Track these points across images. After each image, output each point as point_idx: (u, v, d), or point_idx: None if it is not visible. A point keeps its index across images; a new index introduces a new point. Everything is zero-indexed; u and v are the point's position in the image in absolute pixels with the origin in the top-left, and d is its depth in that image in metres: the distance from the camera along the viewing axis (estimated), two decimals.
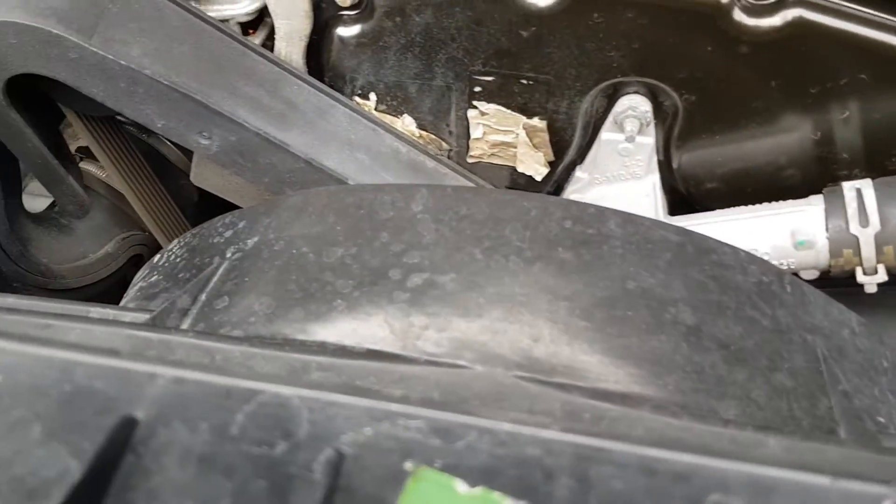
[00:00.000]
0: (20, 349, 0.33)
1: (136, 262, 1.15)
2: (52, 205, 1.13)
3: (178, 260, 0.72)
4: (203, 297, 0.63)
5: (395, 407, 0.30)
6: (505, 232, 0.62)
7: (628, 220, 0.63)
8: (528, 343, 0.56)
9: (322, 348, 0.56)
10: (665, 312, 0.59)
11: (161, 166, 1.08)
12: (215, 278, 0.65)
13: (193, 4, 0.80)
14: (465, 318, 0.57)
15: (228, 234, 0.70)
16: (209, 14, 0.80)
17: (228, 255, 0.66)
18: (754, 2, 0.71)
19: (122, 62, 0.72)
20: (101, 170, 1.08)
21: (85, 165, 1.04)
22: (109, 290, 1.17)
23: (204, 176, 1.01)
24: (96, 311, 0.66)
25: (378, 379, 0.54)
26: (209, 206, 1.15)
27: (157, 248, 1.16)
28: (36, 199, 1.14)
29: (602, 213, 0.63)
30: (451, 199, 0.66)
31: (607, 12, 0.73)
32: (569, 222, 0.63)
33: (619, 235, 0.62)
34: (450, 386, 0.54)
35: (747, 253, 0.66)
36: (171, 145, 1.12)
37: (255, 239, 0.66)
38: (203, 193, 1.12)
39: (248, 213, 0.71)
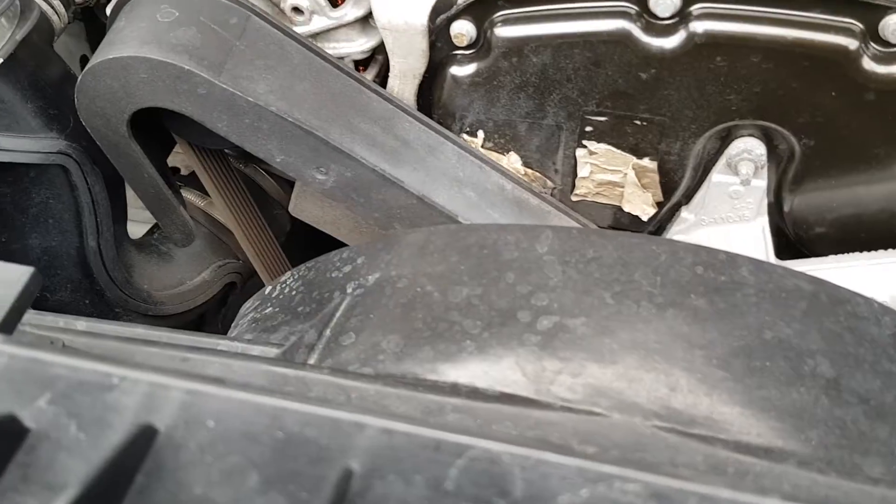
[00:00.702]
0: (229, 395, 0.33)
1: (228, 290, 1.17)
2: (151, 231, 1.16)
3: (295, 293, 0.73)
4: (328, 332, 0.64)
5: (610, 469, 0.30)
6: (634, 276, 0.61)
7: (760, 267, 0.62)
8: (666, 392, 0.55)
9: (455, 390, 0.56)
10: (803, 364, 0.57)
11: (257, 196, 1.10)
12: (338, 314, 0.65)
13: (313, 42, 0.81)
14: (598, 364, 0.56)
15: (347, 269, 0.70)
16: (327, 51, 0.82)
17: (349, 290, 0.67)
18: (884, 50, 0.70)
19: (249, 99, 0.74)
20: (199, 198, 1.10)
21: (185, 194, 1.06)
22: (202, 315, 1.19)
23: (302, 207, 1.02)
24: (225, 343, 0.66)
25: (515, 423, 0.54)
26: (302, 236, 1.17)
27: (250, 275, 1.17)
28: (133, 226, 1.17)
29: (734, 259, 0.62)
30: (577, 242, 0.66)
31: (731, 56, 0.73)
32: (700, 268, 0.62)
33: (752, 283, 0.61)
34: (588, 434, 0.53)
35: (881, 304, 0.64)
36: (267, 176, 1.14)
37: (377, 275, 0.67)
38: (295, 223, 1.14)
39: (367, 249, 0.71)
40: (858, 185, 0.82)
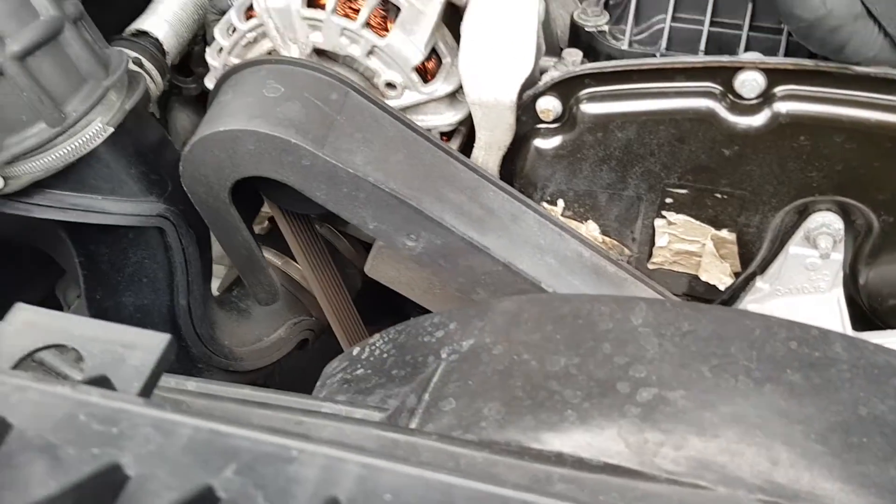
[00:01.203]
0: (401, 469, 0.36)
1: (300, 346, 1.20)
2: (230, 288, 1.19)
3: (387, 356, 0.75)
4: (427, 397, 0.66)
5: None
6: (730, 350, 0.63)
7: (852, 343, 0.64)
8: (768, 466, 0.57)
9: (560, 459, 0.58)
10: None
11: (332, 256, 1.14)
12: (435, 378, 0.67)
13: (405, 115, 0.85)
14: (700, 438, 0.58)
15: (439, 334, 0.72)
16: (417, 124, 0.86)
17: (444, 355, 0.69)
18: None
19: (349, 170, 0.77)
20: (276, 257, 1.14)
21: (265, 253, 1.10)
22: (271, 371, 1.22)
23: (379, 268, 1.05)
24: (328, 406, 0.69)
25: (621, 495, 0.55)
26: (371, 295, 1.20)
27: (322, 332, 1.21)
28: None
29: (826, 335, 0.64)
30: (672, 315, 0.68)
31: (814, 136, 0.75)
32: (794, 343, 0.64)
33: (845, 359, 0.63)
34: None
35: None
36: (342, 238, 1.18)
37: (471, 342, 0.69)
38: (365, 282, 1.17)
39: (458, 316, 0.74)
40: None
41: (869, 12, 0.70)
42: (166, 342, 0.48)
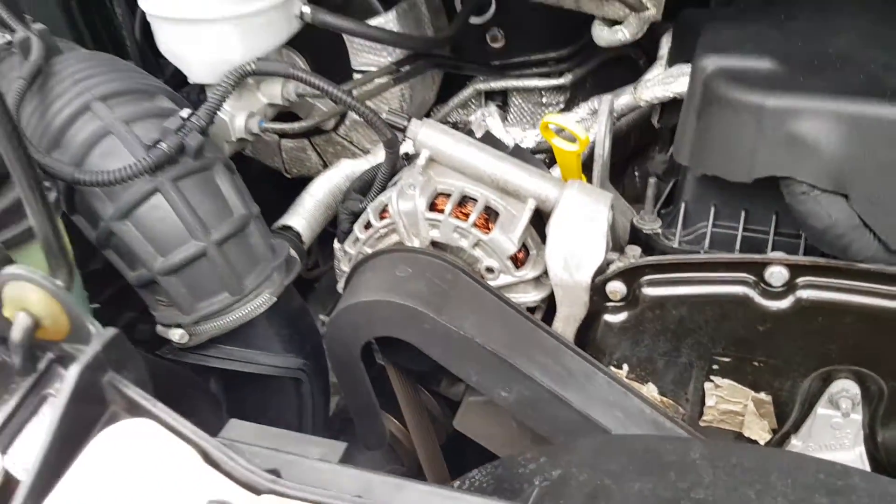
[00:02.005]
0: None
1: None
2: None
3: (485, 485, 0.93)
4: None
5: None
6: (770, 479, 0.81)
7: (869, 476, 0.82)
8: None
9: None
10: None
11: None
12: (531, 501, 0.85)
13: (501, 292, 1.08)
14: None
15: (532, 466, 0.91)
16: (510, 298, 1.09)
17: (536, 482, 0.87)
18: None
19: (461, 332, 0.99)
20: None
21: None
22: None
23: (466, 422, 1.24)
24: None
25: None
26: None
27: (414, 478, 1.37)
28: None
29: (847, 468, 0.82)
30: (722, 450, 0.86)
31: (830, 317, 0.96)
32: (822, 475, 0.81)
33: (864, 488, 0.80)
34: None
35: None
36: (429, 395, 1.38)
37: (559, 471, 0.87)
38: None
39: (547, 452, 0.92)
40: None
41: (865, 223, 0.93)
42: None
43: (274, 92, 1.38)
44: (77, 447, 0.50)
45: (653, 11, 1.17)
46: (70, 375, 0.51)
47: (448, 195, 1.10)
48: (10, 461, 0.53)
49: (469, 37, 1.60)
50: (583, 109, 1.43)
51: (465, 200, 1.11)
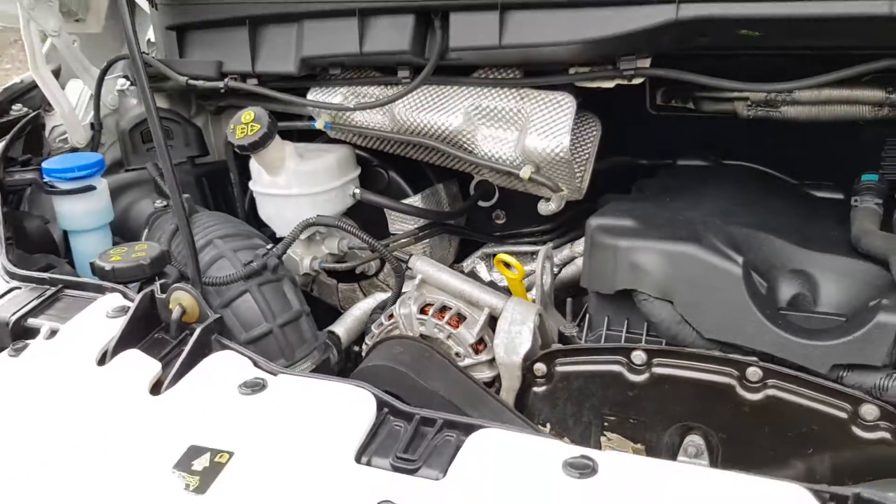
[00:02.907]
0: None
1: None
2: None
3: None
4: None
5: None
6: None
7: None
8: None
9: None
10: None
11: None
12: None
13: (464, 370, 1.61)
14: None
15: None
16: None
17: None
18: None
19: (434, 391, 1.52)
20: None
21: None
22: None
23: None
24: None
25: None
26: None
27: None
28: None
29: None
30: None
31: (674, 385, 1.44)
32: None
33: None
34: None
35: None
36: None
37: None
38: None
39: None
40: None
41: (685, 320, 1.44)
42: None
43: (332, 245, 2.03)
44: (198, 361, 1.07)
45: (566, 192, 1.77)
46: (195, 334, 1.09)
47: (432, 305, 1.67)
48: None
49: (479, 215, 2.24)
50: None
51: (444, 308, 1.67)
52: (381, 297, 2.03)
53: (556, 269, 1.89)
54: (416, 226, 2.09)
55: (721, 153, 2.07)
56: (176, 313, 1.15)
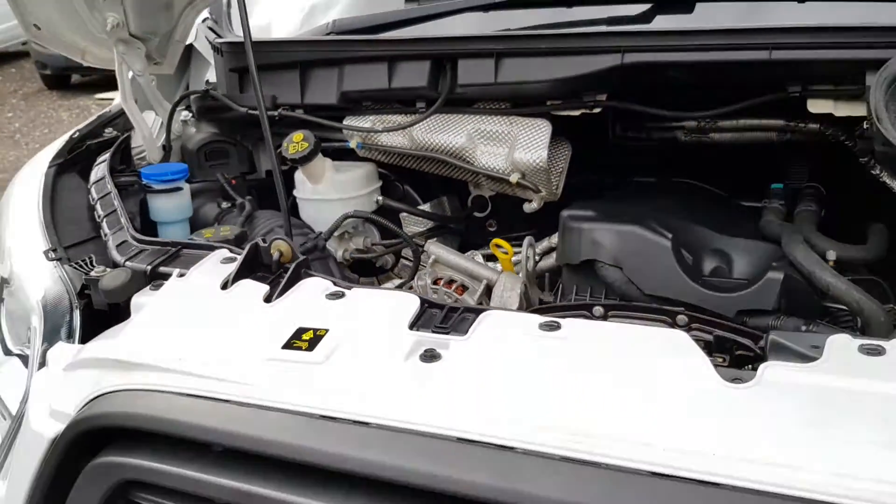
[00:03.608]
0: None
1: None
2: None
3: None
4: None
5: None
6: None
7: None
8: None
9: None
10: None
11: None
12: None
13: None
14: None
15: None
16: None
17: None
18: None
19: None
20: None
21: None
22: None
23: None
24: None
25: None
26: None
27: None
28: None
29: None
30: None
31: None
32: None
33: None
34: None
35: None
36: None
37: None
38: None
39: None
40: None
41: (631, 281, 1.95)
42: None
43: (358, 242, 2.54)
44: (297, 282, 1.57)
45: (544, 193, 2.30)
46: (293, 266, 1.60)
47: (442, 278, 2.18)
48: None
49: (475, 224, 2.76)
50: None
51: (451, 281, 2.18)
52: (395, 283, 2.54)
53: (537, 257, 2.40)
54: (425, 228, 2.62)
55: (668, 173, 2.61)
56: (275, 256, 1.65)
